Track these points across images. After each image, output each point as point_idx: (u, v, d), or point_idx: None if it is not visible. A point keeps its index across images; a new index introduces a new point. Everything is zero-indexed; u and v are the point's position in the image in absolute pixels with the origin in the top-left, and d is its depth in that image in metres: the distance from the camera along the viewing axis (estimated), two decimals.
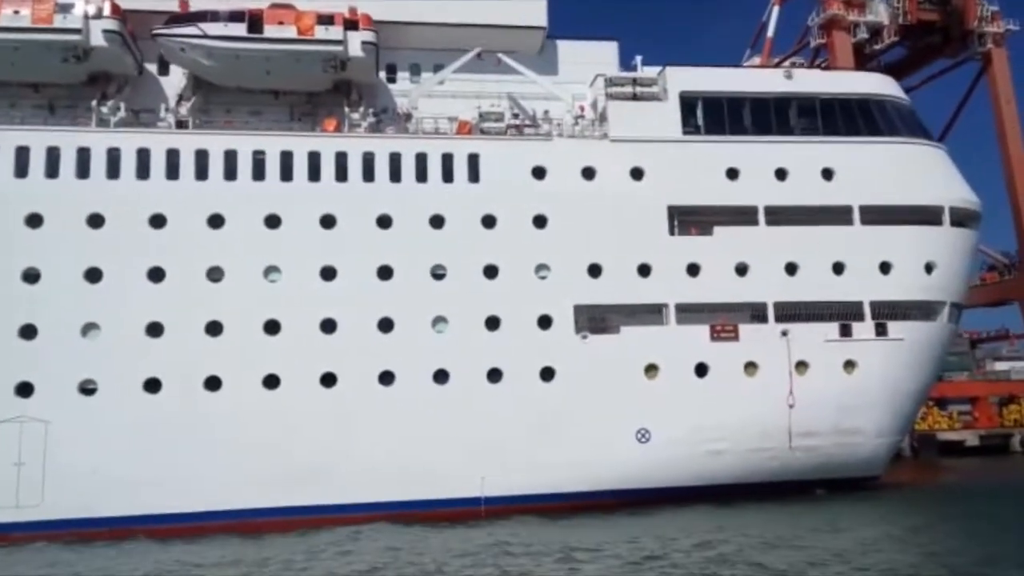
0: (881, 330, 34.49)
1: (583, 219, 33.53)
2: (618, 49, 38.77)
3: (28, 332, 29.83)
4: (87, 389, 29.96)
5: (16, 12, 31.16)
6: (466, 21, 35.98)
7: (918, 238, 35.38)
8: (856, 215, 35.16)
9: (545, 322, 32.84)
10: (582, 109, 36.06)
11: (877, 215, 35.23)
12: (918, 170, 36.27)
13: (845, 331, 34.34)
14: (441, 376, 31.87)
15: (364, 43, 33.48)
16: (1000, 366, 76.10)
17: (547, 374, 32.48)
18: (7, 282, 29.93)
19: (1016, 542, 23.93)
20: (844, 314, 34.50)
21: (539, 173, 33.93)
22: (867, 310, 34.60)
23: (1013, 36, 69.83)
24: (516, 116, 35.65)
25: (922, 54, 72.17)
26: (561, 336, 32.81)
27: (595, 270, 33.43)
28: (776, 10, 79.25)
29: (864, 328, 34.46)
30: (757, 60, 79.08)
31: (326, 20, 33.03)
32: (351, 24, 33.39)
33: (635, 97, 35.66)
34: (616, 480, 32.25)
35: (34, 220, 30.42)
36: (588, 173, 34.22)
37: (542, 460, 31.50)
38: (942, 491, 40.17)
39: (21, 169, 30.81)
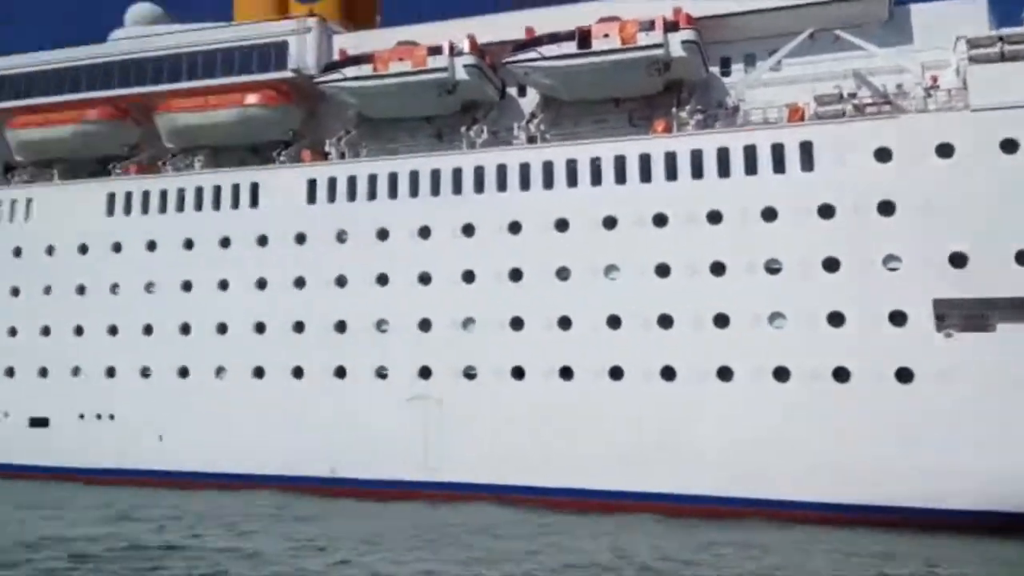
0: None
1: (940, 202, 30.06)
2: (988, 5, 33.80)
3: None
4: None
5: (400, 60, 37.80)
6: (796, 2, 34.36)
7: None
8: None
9: (899, 318, 30.04)
10: (934, 80, 32.22)
11: None
12: None
13: None
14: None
15: (684, 42, 33.89)
16: None
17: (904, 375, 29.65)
18: None
19: None
20: None
21: (883, 155, 31.19)
22: None
23: None
24: (853, 96, 33.06)
25: None
26: (919, 334, 29.66)
27: (958, 259, 29.73)
28: None
29: None
30: None
31: (647, 26, 34.08)
32: (671, 26, 34.06)
33: (1003, 58, 30.97)
34: None
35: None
36: (944, 151, 30.55)
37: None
38: None
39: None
